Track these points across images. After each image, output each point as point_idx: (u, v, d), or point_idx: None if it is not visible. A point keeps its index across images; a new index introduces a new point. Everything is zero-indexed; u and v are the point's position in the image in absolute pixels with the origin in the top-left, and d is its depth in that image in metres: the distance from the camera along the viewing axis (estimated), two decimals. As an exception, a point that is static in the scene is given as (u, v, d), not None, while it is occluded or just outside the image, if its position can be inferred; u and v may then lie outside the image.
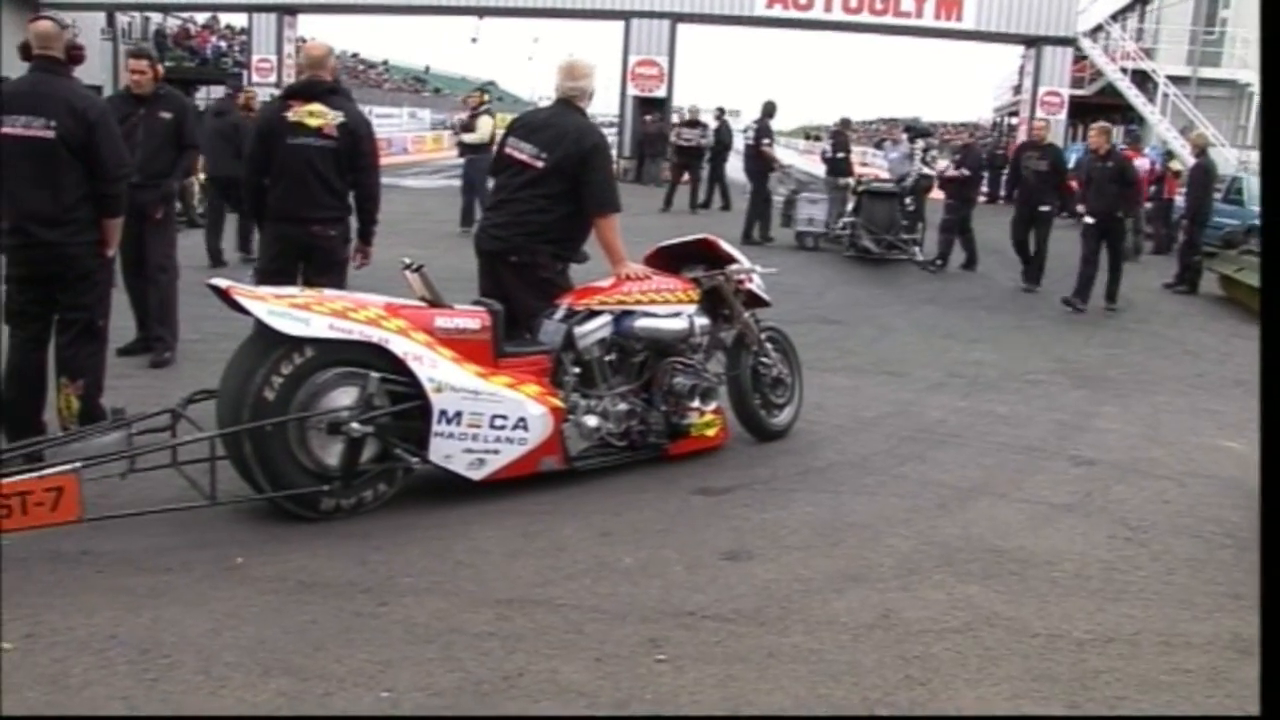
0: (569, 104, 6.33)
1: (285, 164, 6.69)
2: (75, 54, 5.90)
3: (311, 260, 6.80)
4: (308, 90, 6.83)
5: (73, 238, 5.73)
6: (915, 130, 19.02)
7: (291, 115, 6.66)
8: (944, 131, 53.49)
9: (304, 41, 41.96)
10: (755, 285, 6.68)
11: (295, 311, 5.05)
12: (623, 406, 5.94)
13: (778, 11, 31.62)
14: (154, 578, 4.57)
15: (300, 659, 3.92)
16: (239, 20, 41.61)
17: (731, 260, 6.56)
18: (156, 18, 45.45)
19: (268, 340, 5.05)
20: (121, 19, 41.05)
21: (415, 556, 4.80)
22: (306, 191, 6.69)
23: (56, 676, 3.79)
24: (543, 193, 6.12)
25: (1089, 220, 13.20)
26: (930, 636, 4.23)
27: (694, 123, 23.98)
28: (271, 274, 6.60)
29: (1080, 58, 32.03)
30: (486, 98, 18.98)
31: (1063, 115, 31.17)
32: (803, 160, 42.07)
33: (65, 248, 5.72)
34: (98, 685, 3.74)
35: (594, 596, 4.47)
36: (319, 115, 6.66)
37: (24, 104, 5.68)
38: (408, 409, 5.24)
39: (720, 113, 25.87)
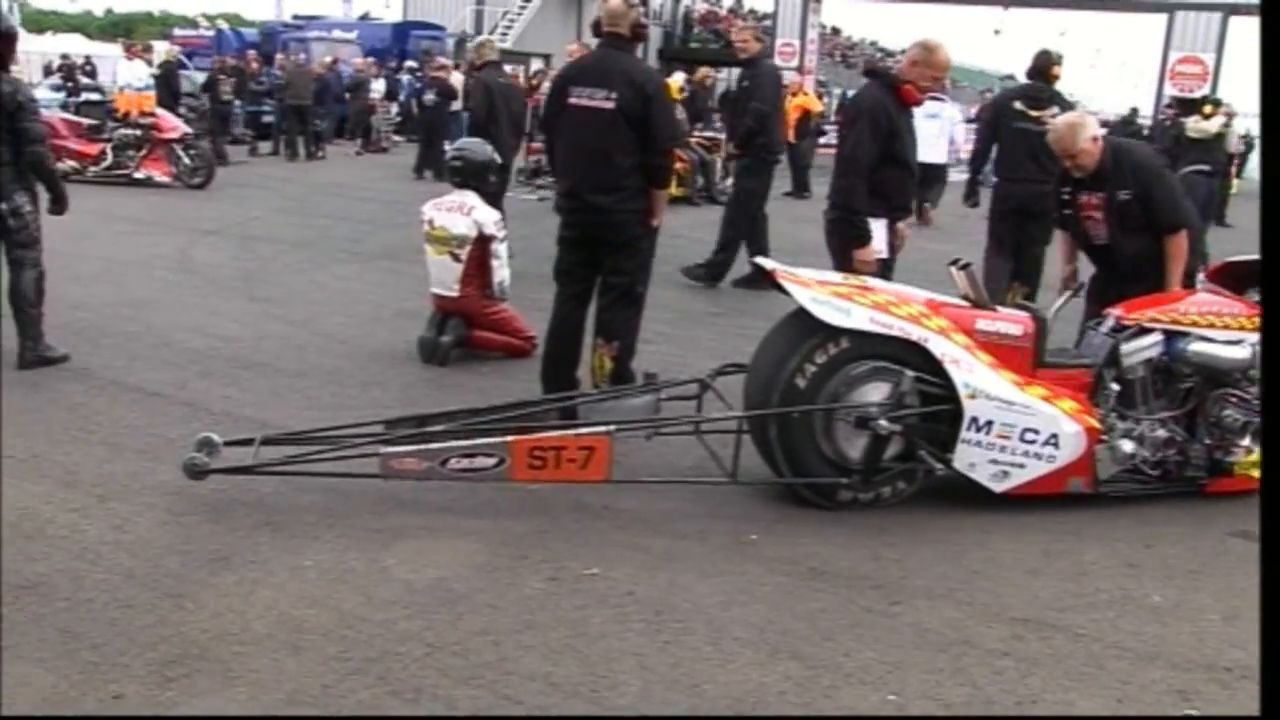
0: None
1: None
2: (639, 31, 6.16)
3: None
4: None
5: (621, 205, 5.97)
6: None
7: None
8: None
9: (825, 27, 42.66)
10: None
11: (837, 301, 5.00)
12: (1161, 434, 5.48)
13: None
14: (670, 542, 4.70)
15: (809, 646, 3.90)
16: (764, 5, 42.70)
17: None
18: (686, 0, 47.53)
19: (805, 326, 5.05)
20: (654, 1, 43.16)
21: (929, 559, 4.66)
22: None
23: (577, 623, 3.97)
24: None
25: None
26: None
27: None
28: None
29: None
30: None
31: None
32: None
33: (613, 214, 5.98)
34: (613, 638, 3.88)
35: (1117, 631, 4.16)
36: None
37: (590, 77, 6.01)
38: (937, 411, 5.09)
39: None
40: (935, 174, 16.33)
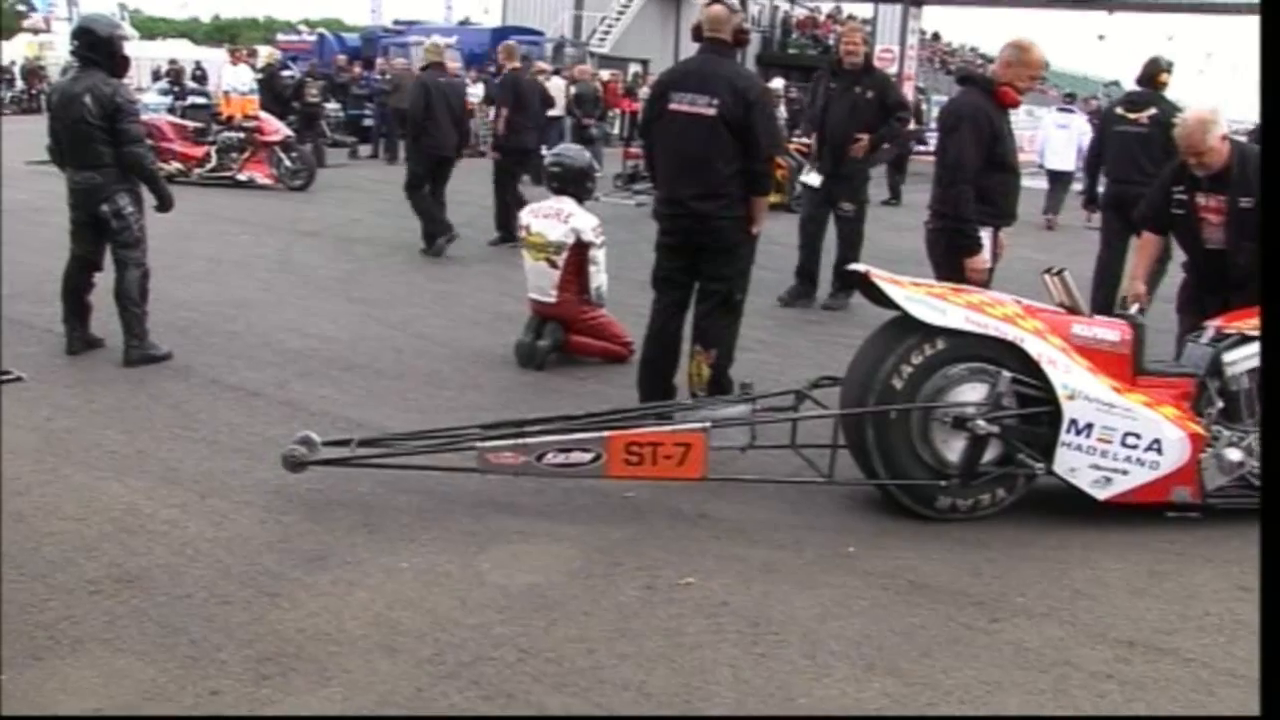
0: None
1: None
2: (741, 37, 6.09)
3: None
4: None
5: (722, 211, 5.92)
6: None
7: None
8: None
9: (924, 33, 42.24)
10: None
11: (933, 300, 4.96)
12: (1271, 445, 5.31)
13: None
14: (767, 552, 4.65)
15: (906, 663, 3.82)
16: (864, 10, 42.30)
17: None
18: (784, 6, 47.45)
19: (901, 329, 5.01)
20: (753, 7, 43.09)
21: (1030, 576, 4.55)
22: None
23: (672, 632, 3.93)
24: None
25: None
26: None
27: None
28: None
29: None
30: None
31: None
32: None
33: (713, 220, 5.93)
34: (708, 649, 3.84)
35: (1228, 658, 4.00)
36: None
37: (691, 83, 5.96)
38: (1036, 414, 4.99)
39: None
40: (1063, 180, 16.72)
